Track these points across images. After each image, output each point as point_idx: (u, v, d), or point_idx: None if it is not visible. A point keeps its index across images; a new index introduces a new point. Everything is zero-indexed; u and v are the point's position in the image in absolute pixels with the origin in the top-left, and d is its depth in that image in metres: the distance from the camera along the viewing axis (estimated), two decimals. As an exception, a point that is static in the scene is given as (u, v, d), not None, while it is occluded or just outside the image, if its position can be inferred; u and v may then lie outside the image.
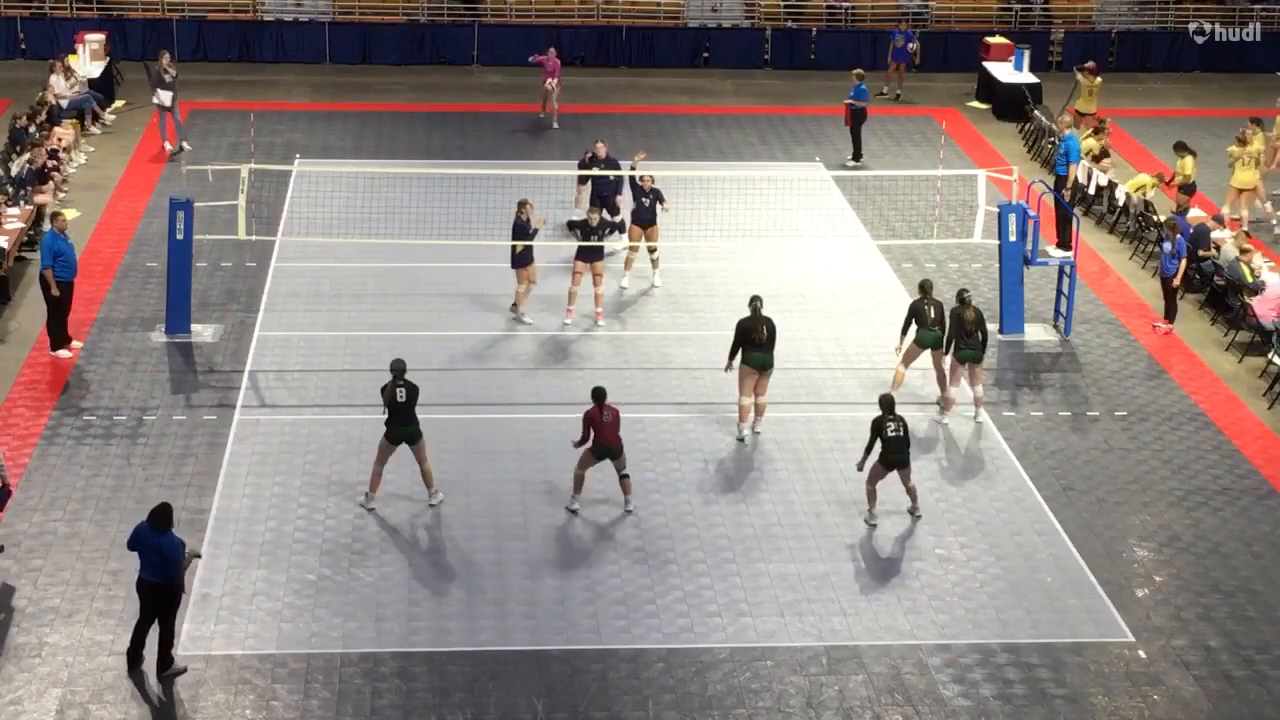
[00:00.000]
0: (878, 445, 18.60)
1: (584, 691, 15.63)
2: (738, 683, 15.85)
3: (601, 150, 26.50)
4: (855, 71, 32.62)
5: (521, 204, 23.78)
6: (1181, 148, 29.27)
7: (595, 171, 26.02)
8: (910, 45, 37.82)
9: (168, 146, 31.59)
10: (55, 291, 22.41)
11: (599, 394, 18.63)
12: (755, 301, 20.70)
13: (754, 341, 20.45)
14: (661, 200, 25.09)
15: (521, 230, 23.56)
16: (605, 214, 24.25)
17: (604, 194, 25.54)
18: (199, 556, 16.28)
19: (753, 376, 20.61)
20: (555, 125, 33.89)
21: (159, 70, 31.64)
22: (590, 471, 18.80)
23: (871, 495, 18.79)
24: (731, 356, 20.67)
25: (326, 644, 16.27)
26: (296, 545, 18.04)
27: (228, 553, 17.83)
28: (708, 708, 15.47)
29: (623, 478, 18.89)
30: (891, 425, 18.53)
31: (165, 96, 31.46)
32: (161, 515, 15.53)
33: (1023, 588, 17.66)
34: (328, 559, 17.79)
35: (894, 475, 18.73)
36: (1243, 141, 28.90)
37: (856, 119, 31.97)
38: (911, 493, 18.94)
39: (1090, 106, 33.58)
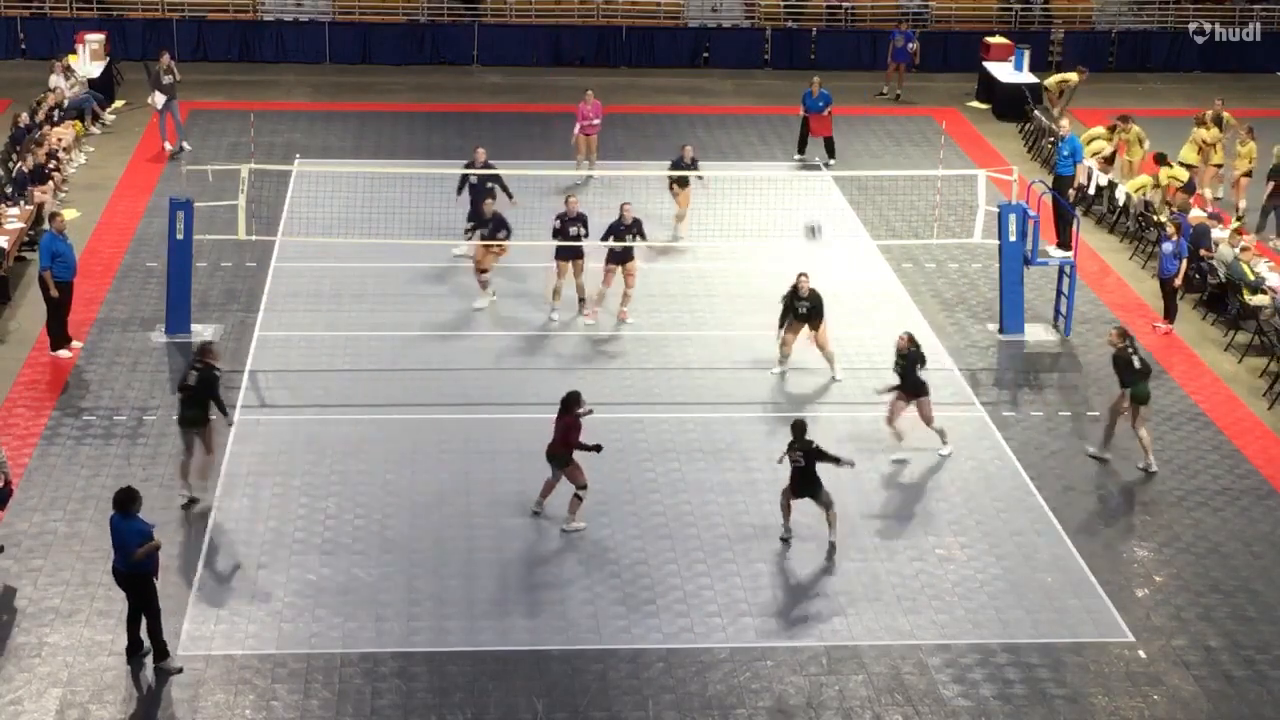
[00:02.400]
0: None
1: (584, 691, 15.63)
2: (738, 683, 15.85)
3: (480, 156, 26.30)
4: (815, 79, 32.68)
5: (567, 199, 24.16)
6: (1125, 119, 30.40)
7: (471, 171, 26.24)
8: (910, 45, 37.84)
9: (167, 146, 31.58)
10: (54, 292, 22.41)
11: (567, 399, 18.41)
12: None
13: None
14: (586, 228, 24.19)
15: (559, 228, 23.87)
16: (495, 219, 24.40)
17: (475, 199, 25.45)
18: (159, 546, 15.83)
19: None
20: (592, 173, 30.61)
21: (158, 71, 31.61)
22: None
23: (785, 509, 18.35)
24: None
25: (326, 644, 16.26)
26: (296, 545, 18.04)
27: (228, 553, 17.83)
28: (708, 708, 15.46)
29: (574, 496, 18.36)
30: (795, 455, 17.91)
31: (159, 99, 31.34)
32: (122, 500, 15.51)
33: (1023, 588, 17.66)
34: (328, 559, 17.79)
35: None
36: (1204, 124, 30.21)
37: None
38: (830, 522, 18.17)
39: (1056, 86, 34.39)
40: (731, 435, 20.91)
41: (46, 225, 23.59)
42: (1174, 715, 15.64)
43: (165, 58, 31.98)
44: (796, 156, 32.35)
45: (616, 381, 22.38)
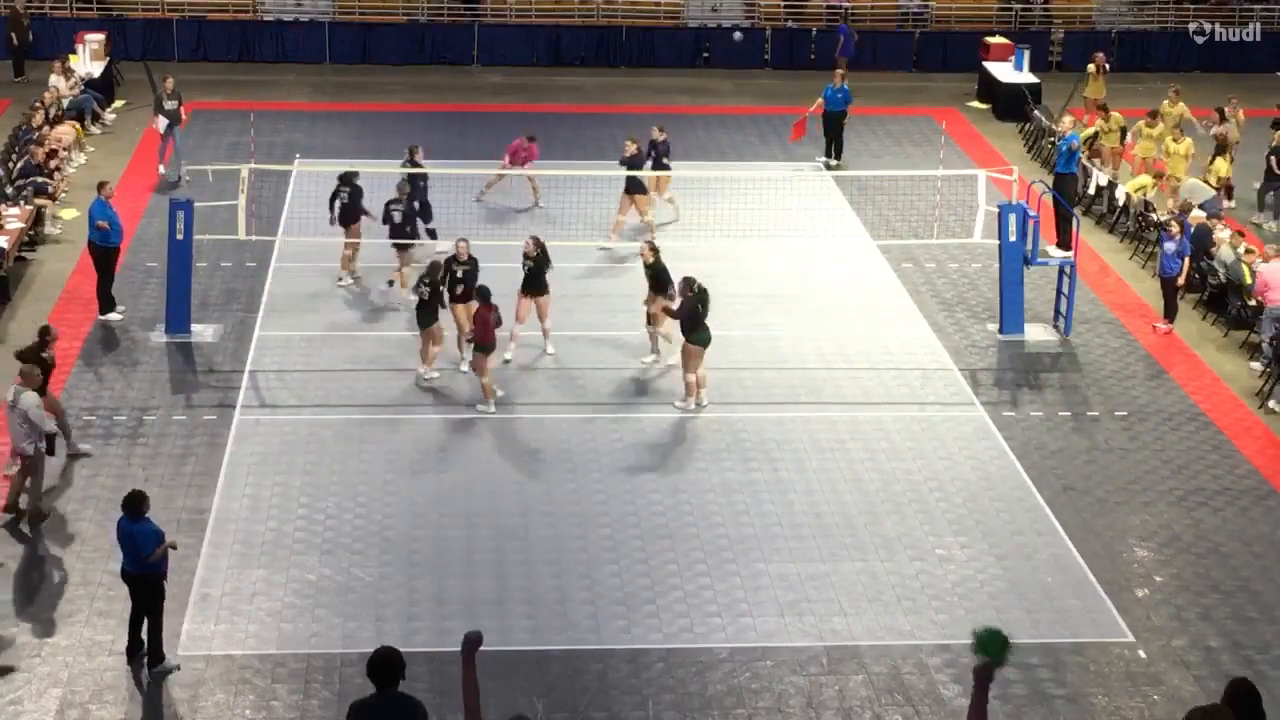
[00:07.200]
0: None
1: (584, 691, 15.62)
2: (738, 683, 15.85)
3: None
4: (839, 71, 32.88)
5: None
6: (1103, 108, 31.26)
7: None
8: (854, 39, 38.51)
9: (161, 169, 30.93)
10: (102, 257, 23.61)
11: (484, 293, 20.91)
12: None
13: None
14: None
15: None
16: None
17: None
18: (174, 547, 15.98)
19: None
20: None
21: (161, 95, 31.05)
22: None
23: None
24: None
25: (326, 644, 16.26)
26: (296, 545, 18.04)
27: (228, 553, 17.83)
28: (708, 708, 15.46)
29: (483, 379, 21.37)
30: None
31: (161, 123, 30.89)
32: (130, 504, 15.49)
33: (1023, 588, 17.66)
34: (328, 559, 17.79)
35: None
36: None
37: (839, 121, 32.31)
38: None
39: (1099, 93, 34.34)
40: (731, 435, 20.90)
41: (96, 193, 24.02)
42: (1174, 715, 15.62)
43: (169, 82, 31.14)
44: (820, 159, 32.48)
45: (617, 381, 22.37)
